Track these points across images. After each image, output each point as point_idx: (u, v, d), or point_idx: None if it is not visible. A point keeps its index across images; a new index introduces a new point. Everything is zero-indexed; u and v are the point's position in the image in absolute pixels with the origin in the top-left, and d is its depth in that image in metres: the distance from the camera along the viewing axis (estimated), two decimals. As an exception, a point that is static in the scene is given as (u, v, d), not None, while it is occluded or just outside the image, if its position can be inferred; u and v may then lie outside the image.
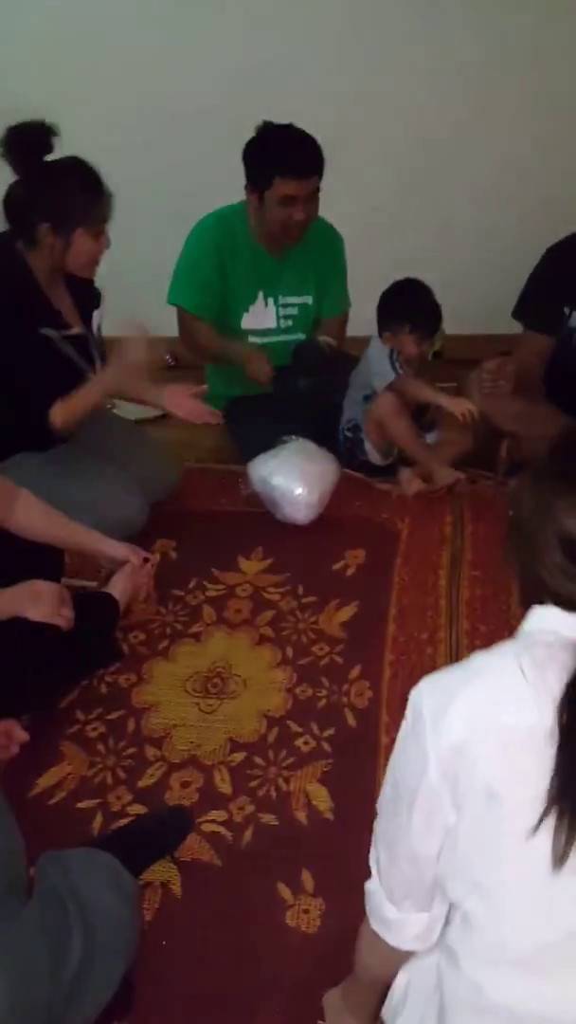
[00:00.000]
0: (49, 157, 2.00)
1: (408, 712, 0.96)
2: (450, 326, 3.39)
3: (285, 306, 2.72)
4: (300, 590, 2.24)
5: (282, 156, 2.42)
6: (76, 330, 2.22)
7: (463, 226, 3.31)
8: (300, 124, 2.43)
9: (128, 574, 2.09)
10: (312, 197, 2.49)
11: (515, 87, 3.08)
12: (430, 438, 2.71)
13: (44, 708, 1.88)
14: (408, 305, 2.57)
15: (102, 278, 2.30)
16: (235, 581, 2.28)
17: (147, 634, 2.11)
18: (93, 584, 2.24)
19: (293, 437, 2.50)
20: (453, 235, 3.30)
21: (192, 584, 2.27)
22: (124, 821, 1.67)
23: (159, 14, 3.02)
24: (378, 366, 2.59)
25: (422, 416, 2.77)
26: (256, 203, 2.51)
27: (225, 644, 2.08)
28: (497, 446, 2.74)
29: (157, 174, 3.13)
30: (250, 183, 2.50)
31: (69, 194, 2.02)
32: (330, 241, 2.75)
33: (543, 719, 0.84)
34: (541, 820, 0.84)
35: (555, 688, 0.85)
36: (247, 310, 2.69)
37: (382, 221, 3.21)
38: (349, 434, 2.70)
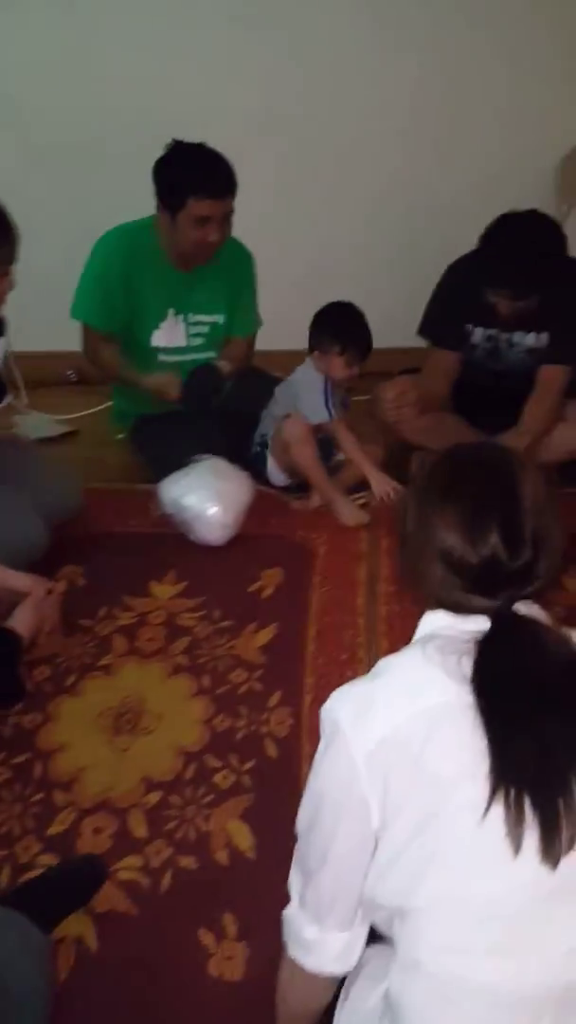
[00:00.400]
0: None
1: (324, 727, 0.97)
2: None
3: (195, 324, 2.64)
4: (216, 614, 2.16)
5: (197, 176, 2.34)
6: None
7: (383, 241, 3.27)
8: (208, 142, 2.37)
9: (31, 606, 1.97)
10: (227, 218, 2.42)
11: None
12: (335, 460, 2.66)
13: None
14: (342, 327, 2.51)
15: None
16: (147, 608, 2.19)
17: (53, 669, 2.00)
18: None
19: (205, 456, 2.42)
20: (372, 250, 3.27)
21: (102, 613, 2.17)
22: (34, 873, 1.56)
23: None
24: (308, 399, 2.52)
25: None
26: (168, 222, 2.42)
27: (137, 676, 1.98)
28: (408, 459, 2.71)
29: (62, 182, 3.03)
30: (161, 202, 2.41)
31: None
32: (240, 259, 2.67)
33: (460, 695, 0.89)
34: (491, 802, 0.85)
35: (464, 668, 0.90)
36: (157, 327, 2.59)
37: (299, 236, 3.19)
38: (258, 448, 2.63)
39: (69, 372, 3.24)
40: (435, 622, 1.00)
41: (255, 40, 2.90)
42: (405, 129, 3.09)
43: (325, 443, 2.64)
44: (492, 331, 2.59)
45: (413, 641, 1.02)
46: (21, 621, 1.94)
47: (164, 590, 2.25)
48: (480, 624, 0.95)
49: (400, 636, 2.04)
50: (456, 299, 2.60)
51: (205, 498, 2.33)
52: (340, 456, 2.66)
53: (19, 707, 1.89)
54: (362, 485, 2.60)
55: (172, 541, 2.41)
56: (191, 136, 2.36)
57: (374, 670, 1.00)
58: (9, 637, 1.89)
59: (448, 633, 0.96)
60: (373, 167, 3.15)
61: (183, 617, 2.15)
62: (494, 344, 2.61)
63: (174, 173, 2.36)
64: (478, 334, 2.61)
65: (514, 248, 2.34)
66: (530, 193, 3.08)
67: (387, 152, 3.12)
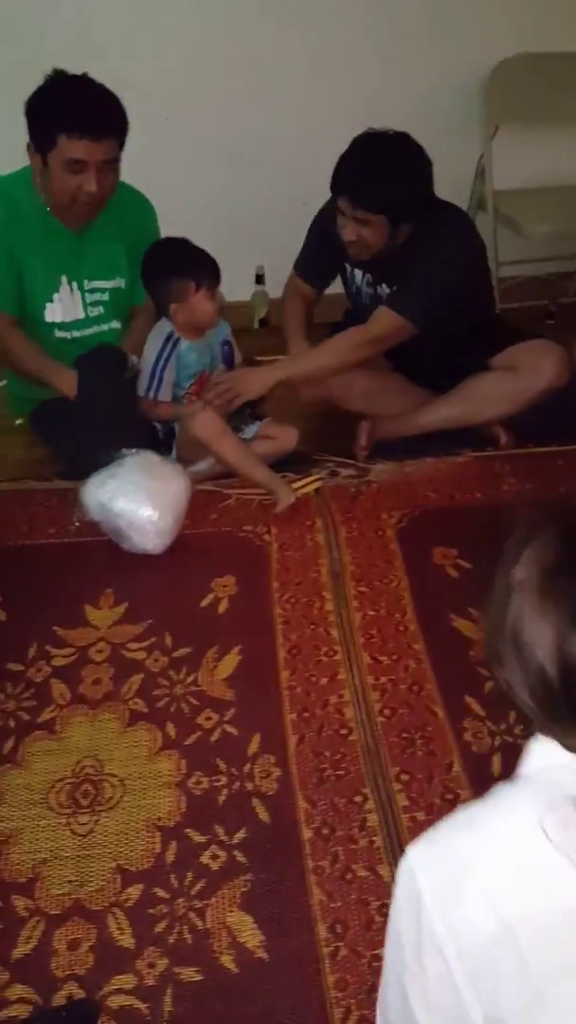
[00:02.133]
0: None
1: (400, 890, 0.74)
2: (274, 290, 3.08)
3: (92, 291, 2.25)
4: (168, 640, 1.87)
5: (70, 110, 1.96)
6: None
7: (280, 185, 2.92)
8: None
9: None
10: (108, 166, 2.04)
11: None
12: (249, 431, 2.38)
13: None
14: (184, 261, 2.20)
15: None
16: (86, 640, 1.88)
17: (-14, 732, 1.68)
18: None
19: (129, 450, 2.09)
20: (270, 194, 2.92)
21: (32, 652, 1.85)
22: (5, 1013, 1.28)
23: None
24: (146, 360, 2.24)
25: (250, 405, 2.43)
26: (39, 167, 2.04)
27: (88, 731, 1.68)
28: (345, 430, 2.46)
29: None
30: (32, 142, 2.02)
31: None
32: (140, 211, 2.28)
33: None
34: None
35: None
36: (51, 300, 2.20)
37: (193, 165, 2.81)
38: (162, 436, 2.32)
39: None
40: (549, 757, 0.75)
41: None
42: (321, 51, 2.74)
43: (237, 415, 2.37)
44: (368, 276, 2.39)
45: (519, 776, 0.77)
46: None
47: (102, 616, 1.94)
48: None
49: (381, 648, 1.83)
50: (327, 237, 2.36)
51: (137, 501, 2.01)
52: (249, 431, 2.38)
53: (-49, 788, 1.58)
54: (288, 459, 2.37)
55: (101, 551, 2.10)
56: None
57: (470, 824, 0.75)
58: None
59: (571, 784, 0.72)
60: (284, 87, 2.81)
61: (130, 648, 1.86)
62: (374, 290, 2.40)
63: (44, 106, 1.98)
64: (358, 276, 2.42)
65: (357, 155, 2.16)
66: (459, 115, 2.84)
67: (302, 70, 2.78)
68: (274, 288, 3.05)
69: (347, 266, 2.42)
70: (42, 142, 2.00)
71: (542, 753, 0.76)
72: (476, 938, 0.68)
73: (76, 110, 1.96)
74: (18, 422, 2.49)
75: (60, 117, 1.96)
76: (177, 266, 2.19)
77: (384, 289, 2.36)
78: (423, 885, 0.72)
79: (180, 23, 2.63)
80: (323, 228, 2.38)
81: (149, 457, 2.09)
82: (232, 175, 2.87)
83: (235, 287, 2.92)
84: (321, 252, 2.44)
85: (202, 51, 2.68)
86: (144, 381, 2.23)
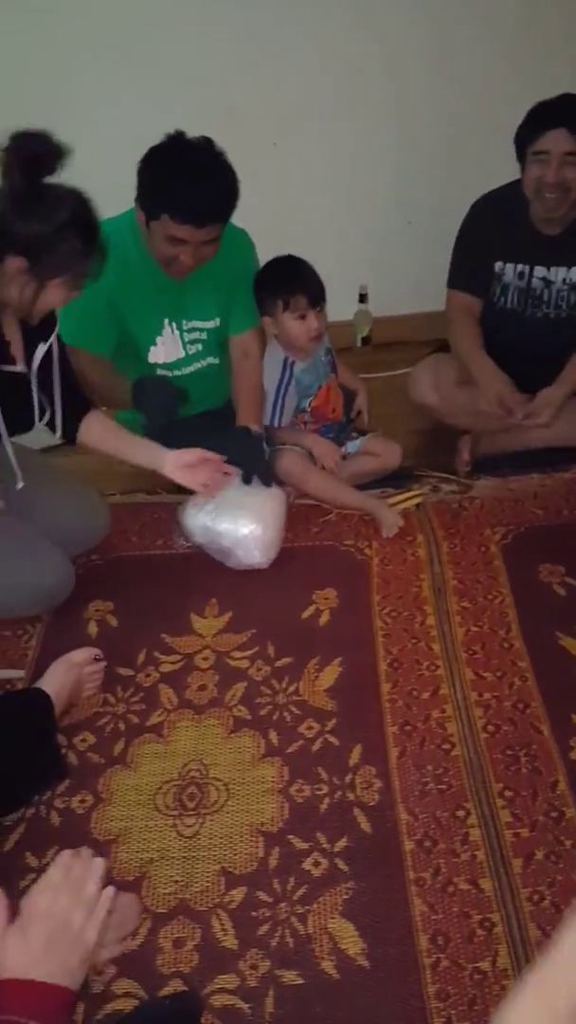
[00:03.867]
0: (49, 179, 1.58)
1: None
2: (377, 309, 3.11)
3: (190, 331, 2.28)
4: (271, 650, 1.91)
5: (180, 195, 1.94)
6: (17, 367, 1.81)
7: (384, 206, 2.96)
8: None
9: (66, 666, 1.72)
10: (209, 243, 2.05)
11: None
12: (352, 446, 2.40)
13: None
14: (275, 280, 2.23)
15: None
16: (192, 647, 1.93)
17: (96, 735, 1.74)
18: (20, 675, 1.86)
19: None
20: (374, 215, 2.96)
21: (142, 658, 1.91)
22: (111, 1006, 1.32)
23: None
24: (267, 389, 2.28)
25: (349, 417, 2.46)
26: (142, 223, 2.06)
27: (194, 736, 1.73)
28: (454, 446, 2.46)
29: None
30: (138, 202, 2.04)
31: (59, 237, 1.60)
32: (240, 251, 2.28)
33: None
34: None
35: None
36: (155, 343, 2.24)
37: (300, 187, 2.86)
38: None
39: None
40: None
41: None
42: (423, 73, 2.76)
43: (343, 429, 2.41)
44: (523, 266, 2.36)
45: None
46: (54, 683, 1.69)
47: (207, 624, 1.99)
48: None
49: (484, 664, 1.82)
50: (478, 237, 2.38)
51: (237, 518, 2.06)
52: (352, 446, 2.40)
53: (66, 785, 1.64)
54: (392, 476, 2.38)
55: (206, 562, 2.15)
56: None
57: None
58: (39, 701, 1.64)
59: None
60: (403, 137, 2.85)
61: (234, 657, 1.90)
62: (527, 282, 2.37)
63: (156, 180, 1.97)
64: (509, 272, 2.38)
65: (559, 97, 2.16)
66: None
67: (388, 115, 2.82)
68: (376, 307, 3.09)
69: (500, 264, 2.37)
70: (148, 209, 2.01)
71: None
72: None
73: (184, 198, 1.94)
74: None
75: (168, 199, 1.95)
76: (270, 285, 2.25)
77: (543, 273, 2.34)
78: None
79: (286, 46, 2.68)
80: (474, 235, 2.40)
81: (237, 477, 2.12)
82: (337, 197, 2.91)
83: (339, 306, 2.97)
84: (477, 259, 2.41)
85: (307, 76, 2.73)
86: (267, 409, 2.28)
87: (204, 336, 2.31)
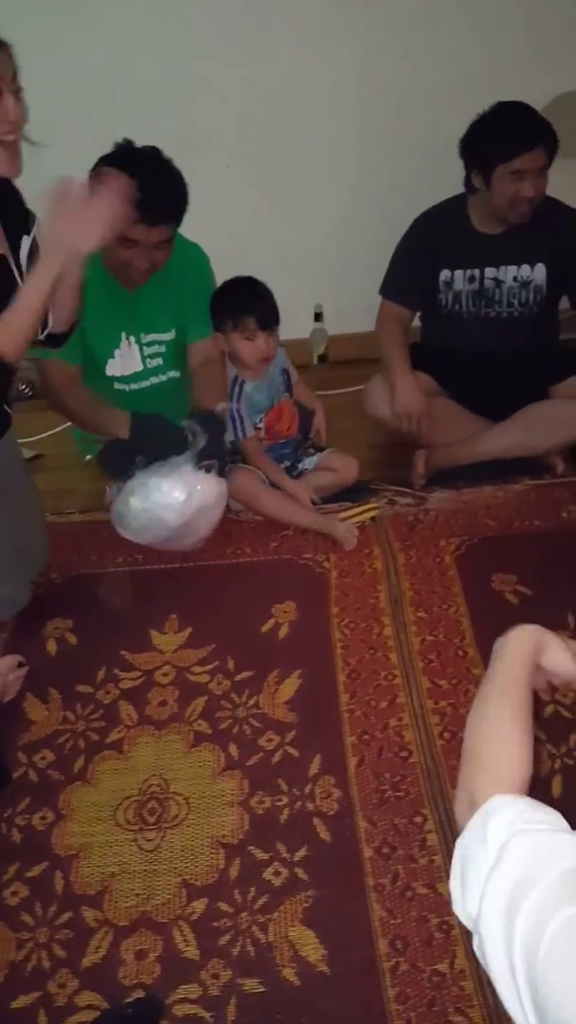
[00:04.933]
0: None
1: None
2: (333, 327, 3.16)
3: (149, 344, 2.32)
4: (231, 664, 1.93)
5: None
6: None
7: (338, 227, 3.02)
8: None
9: None
10: (162, 245, 2.11)
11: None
12: (309, 463, 2.45)
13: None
14: (229, 301, 2.29)
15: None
16: (152, 664, 1.94)
17: (56, 752, 1.75)
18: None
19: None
20: (324, 233, 3.02)
21: (101, 675, 1.92)
22: (74, 1019, 1.33)
23: None
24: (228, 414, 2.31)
25: (306, 434, 2.50)
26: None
27: (154, 752, 1.74)
28: (410, 460, 2.50)
29: None
30: None
31: None
32: (193, 263, 2.33)
33: None
34: None
35: None
36: (112, 356, 2.27)
37: (253, 207, 2.91)
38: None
39: (23, 387, 2.92)
40: None
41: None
42: (369, 98, 2.83)
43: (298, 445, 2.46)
44: (473, 271, 2.43)
45: None
46: None
47: (168, 640, 2.00)
48: None
49: (440, 672, 1.85)
50: (421, 250, 2.46)
51: (168, 488, 2.06)
52: (308, 463, 2.44)
53: (26, 802, 1.65)
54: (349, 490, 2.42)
55: (168, 579, 2.17)
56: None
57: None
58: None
59: None
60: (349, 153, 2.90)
61: (194, 672, 1.92)
62: (478, 285, 2.44)
63: None
64: (459, 278, 2.45)
65: (523, 108, 2.25)
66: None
67: (354, 127, 2.87)
68: (332, 326, 3.14)
69: (447, 273, 2.44)
70: None
71: None
72: None
73: (135, 197, 1.90)
74: (88, 458, 2.59)
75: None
76: (223, 305, 2.29)
77: (493, 273, 2.41)
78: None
79: (241, 69, 2.73)
80: (415, 245, 2.47)
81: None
82: (292, 219, 2.96)
83: (295, 325, 3.02)
84: (414, 269, 2.47)
85: (260, 99, 2.77)
86: (231, 424, 2.31)
87: (163, 349, 2.35)
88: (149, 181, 1.95)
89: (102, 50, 2.62)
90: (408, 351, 2.49)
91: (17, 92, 1.59)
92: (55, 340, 1.85)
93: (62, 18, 2.57)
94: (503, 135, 2.23)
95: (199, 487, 2.08)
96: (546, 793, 1.59)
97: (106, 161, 2.00)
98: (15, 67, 1.59)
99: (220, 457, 2.16)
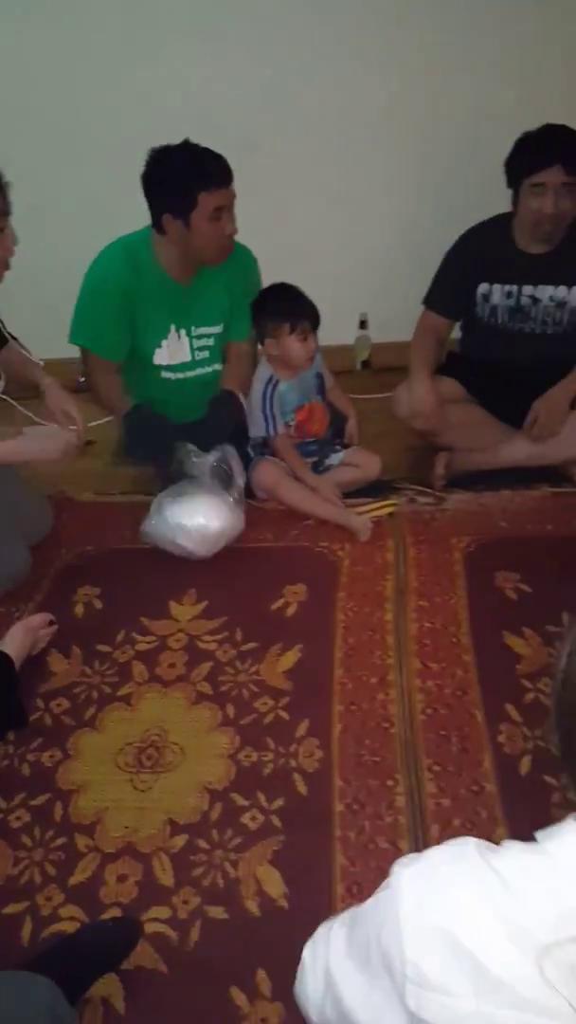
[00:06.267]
0: None
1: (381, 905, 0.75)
2: (377, 334, 3.30)
3: (199, 337, 2.52)
4: (238, 635, 2.08)
5: (202, 169, 2.24)
6: None
7: (382, 234, 3.17)
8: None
9: (23, 630, 1.92)
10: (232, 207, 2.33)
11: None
12: (335, 458, 2.58)
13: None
14: (282, 305, 2.42)
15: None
16: (167, 631, 2.11)
17: (71, 701, 1.92)
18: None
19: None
20: (373, 245, 3.17)
21: (120, 637, 2.09)
22: (56, 927, 1.49)
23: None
24: (253, 413, 2.49)
25: (336, 429, 2.63)
26: (179, 230, 2.30)
27: (159, 706, 1.90)
28: (431, 461, 2.62)
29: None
30: (167, 211, 2.29)
31: None
32: (245, 263, 2.55)
33: None
34: None
35: None
36: (159, 346, 2.47)
37: (303, 237, 3.07)
38: (251, 453, 2.56)
39: (81, 379, 3.12)
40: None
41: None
42: (425, 117, 2.97)
43: (326, 443, 2.58)
44: (511, 287, 2.54)
45: (540, 851, 0.69)
46: (11, 643, 1.89)
47: (184, 611, 2.16)
48: None
49: (432, 656, 1.96)
50: (464, 263, 2.57)
51: (192, 514, 2.27)
52: (335, 458, 2.58)
53: (39, 742, 1.82)
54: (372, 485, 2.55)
55: (194, 560, 2.32)
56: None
57: (471, 866, 0.70)
58: (1, 659, 1.82)
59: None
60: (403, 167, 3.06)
61: (204, 640, 2.07)
62: (515, 301, 2.54)
63: (175, 174, 2.24)
64: (497, 292, 2.56)
65: (553, 126, 2.34)
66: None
67: (396, 161, 3.04)
68: (376, 333, 3.28)
69: (486, 286, 2.55)
70: (182, 204, 2.26)
71: (567, 842, 0.68)
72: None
73: (208, 169, 2.23)
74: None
75: (194, 177, 2.23)
76: (277, 309, 2.44)
77: (531, 291, 2.51)
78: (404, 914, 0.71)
79: (290, 81, 2.90)
80: (460, 258, 2.58)
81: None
82: (340, 228, 3.12)
83: (340, 331, 3.16)
84: (458, 281, 2.59)
85: (315, 110, 2.94)
86: (260, 423, 2.47)
87: (211, 342, 2.55)
88: (204, 153, 2.24)
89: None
90: (432, 359, 2.61)
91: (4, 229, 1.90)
92: None
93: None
94: (527, 149, 2.34)
95: (220, 517, 2.28)
96: (515, 769, 1.69)
97: (159, 158, 2.26)
98: (9, 204, 1.88)
99: (238, 431, 2.40)
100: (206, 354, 2.55)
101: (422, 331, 2.67)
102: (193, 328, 2.50)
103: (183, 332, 2.49)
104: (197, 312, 2.49)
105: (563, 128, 2.36)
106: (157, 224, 2.33)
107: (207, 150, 2.25)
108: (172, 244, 2.35)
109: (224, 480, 2.34)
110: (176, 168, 2.25)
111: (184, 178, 2.24)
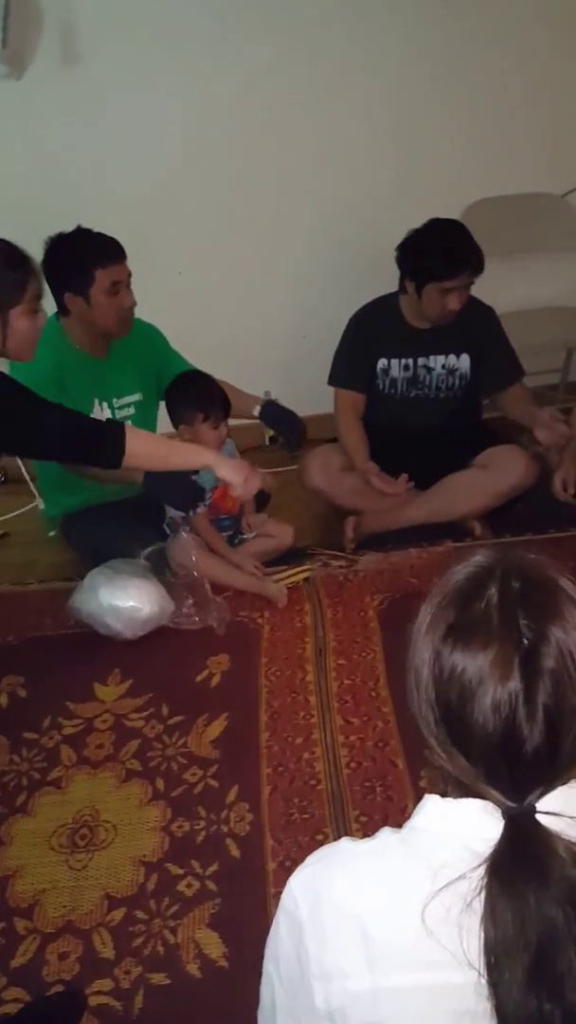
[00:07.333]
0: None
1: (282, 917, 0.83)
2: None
3: (121, 408, 2.63)
4: (164, 710, 2.12)
5: (93, 249, 2.39)
6: None
7: (284, 312, 3.35)
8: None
9: None
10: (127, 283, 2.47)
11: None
12: (248, 534, 2.68)
13: None
14: (196, 394, 2.53)
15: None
16: (93, 712, 2.14)
17: (1, 789, 1.94)
18: None
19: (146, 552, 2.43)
20: (275, 332, 3.35)
21: (46, 723, 2.11)
22: (2, 1010, 1.49)
23: None
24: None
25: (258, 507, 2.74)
26: (81, 307, 2.43)
27: (89, 787, 1.93)
28: (340, 526, 2.74)
29: None
30: (68, 289, 2.41)
31: None
32: (151, 335, 2.70)
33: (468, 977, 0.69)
34: None
35: (469, 947, 0.69)
36: None
37: (205, 309, 3.23)
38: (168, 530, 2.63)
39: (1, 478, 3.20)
40: (434, 814, 0.79)
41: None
42: (313, 200, 3.20)
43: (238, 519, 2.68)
44: (407, 360, 2.72)
45: (407, 828, 0.80)
46: None
47: (109, 691, 2.20)
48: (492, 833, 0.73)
49: (353, 711, 2.04)
50: (364, 341, 2.75)
51: (125, 597, 2.32)
52: (245, 535, 2.68)
53: (-30, 834, 1.83)
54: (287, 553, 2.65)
55: (117, 640, 2.37)
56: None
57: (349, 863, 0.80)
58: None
59: (450, 851, 0.73)
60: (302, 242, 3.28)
61: (131, 718, 2.11)
62: (412, 372, 2.73)
63: (72, 253, 2.38)
64: (395, 366, 2.75)
65: (455, 230, 2.55)
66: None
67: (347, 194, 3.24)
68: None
69: (384, 361, 2.74)
70: (80, 282, 2.39)
71: (426, 811, 0.80)
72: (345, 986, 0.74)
73: (99, 245, 2.38)
74: (51, 534, 2.83)
75: (94, 253, 2.37)
76: (191, 397, 2.53)
77: (424, 362, 2.72)
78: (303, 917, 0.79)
79: (189, 186, 3.10)
80: (356, 338, 2.77)
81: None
82: (240, 317, 3.29)
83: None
84: (357, 359, 2.77)
85: (207, 215, 3.14)
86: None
87: (132, 411, 2.65)
88: (94, 235, 2.40)
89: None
90: (364, 438, 2.78)
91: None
92: None
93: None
94: (437, 256, 2.52)
95: (153, 602, 2.34)
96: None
97: (60, 240, 2.40)
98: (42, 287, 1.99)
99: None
100: (129, 423, 2.63)
101: (344, 412, 2.82)
102: (115, 399, 2.61)
103: (105, 404, 2.59)
104: (115, 382, 2.61)
105: (458, 229, 2.58)
106: (60, 306, 2.45)
107: (100, 233, 2.40)
108: (77, 321, 2.47)
109: (157, 563, 2.41)
110: (73, 248, 2.39)
111: (81, 256, 2.38)
